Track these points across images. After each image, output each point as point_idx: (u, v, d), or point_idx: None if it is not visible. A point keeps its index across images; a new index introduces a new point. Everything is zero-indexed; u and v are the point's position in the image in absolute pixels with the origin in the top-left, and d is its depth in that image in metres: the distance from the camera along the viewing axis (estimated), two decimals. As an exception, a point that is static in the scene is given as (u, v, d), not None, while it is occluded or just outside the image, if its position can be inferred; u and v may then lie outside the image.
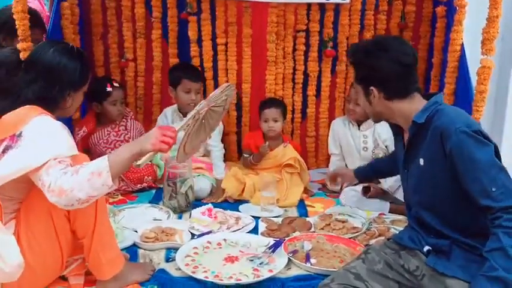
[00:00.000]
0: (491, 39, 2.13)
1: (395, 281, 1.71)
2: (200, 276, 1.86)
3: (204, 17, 3.03)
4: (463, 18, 2.44)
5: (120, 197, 2.80)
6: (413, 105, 1.72)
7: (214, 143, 2.92)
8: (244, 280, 1.85)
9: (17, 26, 2.22)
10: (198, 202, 2.67)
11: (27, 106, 1.71)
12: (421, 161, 1.69)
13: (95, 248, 1.68)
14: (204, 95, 3.06)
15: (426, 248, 1.70)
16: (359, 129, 2.85)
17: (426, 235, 1.74)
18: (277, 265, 1.96)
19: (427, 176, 1.69)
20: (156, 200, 2.74)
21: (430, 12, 3.03)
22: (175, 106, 3.02)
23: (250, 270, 1.93)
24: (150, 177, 2.88)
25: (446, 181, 1.62)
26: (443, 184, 1.64)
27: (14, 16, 2.21)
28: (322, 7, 3.07)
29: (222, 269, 1.93)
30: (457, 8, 2.47)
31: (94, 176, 1.52)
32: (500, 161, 1.56)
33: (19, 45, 2.19)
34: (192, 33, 3.07)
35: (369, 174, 2.46)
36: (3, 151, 1.62)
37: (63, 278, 1.81)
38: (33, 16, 2.59)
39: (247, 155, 2.98)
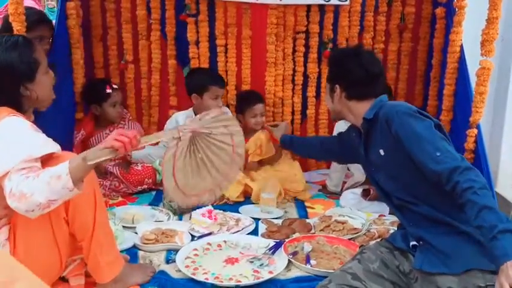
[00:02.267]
0: (490, 40, 2.13)
1: (390, 281, 1.72)
2: (200, 277, 1.86)
3: (201, 18, 3.03)
4: (462, 19, 2.45)
5: (120, 199, 2.81)
6: (367, 106, 1.90)
7: None
8: (244, 282, 1.85)
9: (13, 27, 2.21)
10: (198, 204, 2.66)
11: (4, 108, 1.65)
12: (381, 152, 1.82)
13: (94, 250, 1.68)
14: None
15: (412, 243, 1.73)
16: None
17: (407, 224, 1.77)
18: (277, 266, 1.96)
19: (392, 163, 1.79)
20: (156, 201, 2.73)
21: (430, 13, 3.03)
22: (188, 111, 3.00)
23: (250, 272, 1.93)
24: (150, 180, 2.88)
25: (408, 162, 1.71)
26: (406, 165, 1.72)
27: (10, 18, 2.20)
28: (321, 8, 3.07)
29: (222, 271, 1.93)
30: (457, 9, 2.47)
31: (53, 179, 1.48)
32: (446, 136, 1.69)
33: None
34: (190, 35, 3.07)
35: (292, 144, 2.65)
36: None
37: (64, 279, 1.81)
38: (39, 14, 2.60)
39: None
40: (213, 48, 3.12)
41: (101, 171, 2.84)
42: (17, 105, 1.68)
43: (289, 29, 3.10)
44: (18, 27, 2.20)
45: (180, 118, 2.99)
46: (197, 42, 3.10)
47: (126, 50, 3.15)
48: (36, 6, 3.38)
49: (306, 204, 2.79)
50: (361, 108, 1.91)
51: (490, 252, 1.41)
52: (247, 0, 2.97)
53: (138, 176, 2.85)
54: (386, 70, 3.20)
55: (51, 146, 1.62)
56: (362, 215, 2.51)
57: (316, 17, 3.08)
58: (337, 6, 3.06)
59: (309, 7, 3.07)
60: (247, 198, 2.79)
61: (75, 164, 1.51)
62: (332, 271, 1.87)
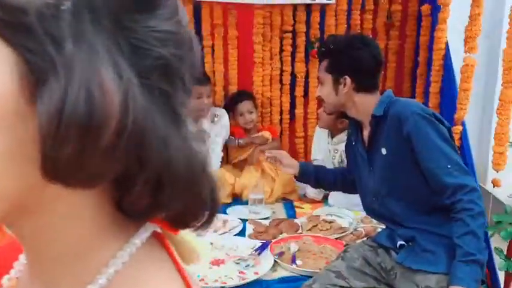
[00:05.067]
0: (473, 37, 2.13)
1: (373, 278, 1.74)
2: (185, 280, 1.85)
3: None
4: (447, 16, 2.44)
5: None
6: (373, 100, 1.81)
7: (215, 148, 2.91)
8: (230, 283, 1.84)
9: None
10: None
11: None
12: (383, 151, 1.76)
13: None
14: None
15: (399, 243, 1.72)
16: (332, 141, 2.82)
17: (396, 228, 1.77)
18: (263, 267, 1.96)
19: (391, 164, 1.75)
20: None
21: (416, 10, 3.02)
22: None
23: (235, 273, 1.92)
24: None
25: (410, 164, 1.69)
26: (407, 168, 1.70)
27: None
28: (308, 8, 3.06)
29: (208, 273, 1.92)
30: (441, 6, 2.47)
31: None
32: (454, 143, 1.69)
33: None
34: (177, 36, 3.06)
35: (310, 176, 2.11)
36: None
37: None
38: None
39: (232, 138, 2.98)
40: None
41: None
42: None
43: (276, 29, 3.09)
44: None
45: None
46: (184, 44, 3.09)
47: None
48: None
49: (295, 204, 2.78)
50: (368, 102, 1.82)
51: (453, 270, 1.52)
52: (233, 0, 2.97)
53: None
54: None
55: None
56: (350, 214, 2.51)
57: (303, 17, 3.07)
58: (323, 6, 3.05)
59: (295, 7, 3.06)
60: (235, 199, 2.79)
61: None
62: (318, 271, 1.87)
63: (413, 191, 1.73)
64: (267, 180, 2.83)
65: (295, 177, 2.15)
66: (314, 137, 3.03)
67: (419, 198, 1.72)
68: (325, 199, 2.78)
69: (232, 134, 3.02)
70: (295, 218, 2.54)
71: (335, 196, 2.70)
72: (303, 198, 2.86)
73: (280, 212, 2.67)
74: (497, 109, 1.89)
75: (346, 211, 2.54)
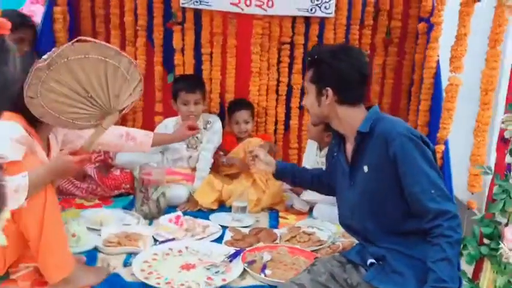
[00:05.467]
0: (459, 56, 2.12)
1: None
2: (152, 282, 1.87)
3: (187, 26, 3.07)
4: (439, 35, 2.44)
5: (96, 201, 2.84)
6: (358, 115, 1.78)
7: (206, 154, 2.94)
8: (194, 288, 1.86)
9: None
10: (173, 209, 2.68)
11: (9, 112, 1.75)
12: (365, 168, 1.73)
13: (42, 251, 1.70)
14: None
15: (370, 261, 1.71)
16: (320, 154, 2.81)
17: (367, 245, 1.76)
18: (232, 275, 1.97)
19: (372, 182, 1.73)
20: (131, 205, 2.76)
21: (415, 28, 3.02)
22: (177, 118, 3.02)
23: (203, 279, 1.93)
24: (128, 185, 2.91)
25: (391, 185, 1.67)
26: (387, 188, 1.69)
27: None
28: (307, 20, 3.08)
29: (176, 276, 1.94)
30: (434, 24, 2.47)
31: (11, 192, 1.57)
32: (437, 164, 1.68)
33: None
34: (176, 43, 3.11)
35: (287, 175, 2.17)
36: None
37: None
38: (21, 17, 2.67)
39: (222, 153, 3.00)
40: (198, 56, 3.15)
41: (80, 173, 2.87)
42: (28, 117, 1.76)
43: (274, 40, 3.12)
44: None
45: (170, 124, 3.02)
46: (182, 50, 3.14)
47: (114, 55, 3.19)
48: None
49: (280, 214, 2.79)
50: (352, 115, 1.78)
51: None
52: (233, 10, 3.01)
53: (115, 180, 2.88)
54: (371, 83, 3.20)
55: (18, 154, 1.69)
56: (332, 227, 2.50)
57: (302, 29, 3.09)
58: (322, 19, 3.07)
59: (294, 18, 3.08)
60: (222, 206, 2.80)
61: (35, 177, 1.64)
62: (283, 281, 1.87)
63: (390, 212, 1.71)
64: (256, 190, 2.84)
65: (273, 175, 2.15)
66: (306, 148, 3.03)
67: (395, 219, 1.71)
68: (310, 211, 2.78)
69: (224, 141, 3.04)
70: (277, 228, 2.54)
71: (319, 209, 2.70)
72: (290, 209, 2.86)
73: (264, 221, 2.67)
74: (474, 130, 1.87)
75: (329, 224, 2.53)
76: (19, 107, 1.71)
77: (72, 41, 1.61)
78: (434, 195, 1.58)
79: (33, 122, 1.81)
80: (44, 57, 1.59)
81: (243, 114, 3.01)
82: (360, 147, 1.76)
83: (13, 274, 1.83)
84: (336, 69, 1.78)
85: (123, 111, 1.81)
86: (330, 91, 1.79)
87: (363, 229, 1.80)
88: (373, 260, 1.73)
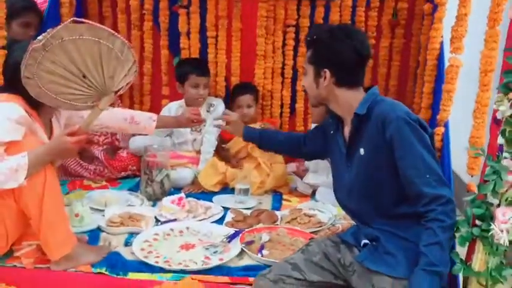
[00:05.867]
0: (459, 37, 2.08)
1: (330, 273, 1.75)
2: (151, 261, 1.92)
3: (193, 10, 3.07)
4: (442, 16, 2.39)
5: (103, 183, 2.90)
6: (357, 97, 1.77)
7: (210, 137, 2.96)
8: (192, 267, 1.90)
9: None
10: (178, 191, 2.72)
11: (8, 94, 1.82)
12: (362, 151, 1.73)
13: (43, 229, 1.76)
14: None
15: (363, 241, 1.72)
16: None
17: (362, 226, 1.78)
18: (230, 254, 2.00)
19: (368, 165, 1.72)
20: (137, 187, 2.80)
21: (422, 9, 2.97)
22: (180, 101, 3.05)
23: (201, 258, 1.98)
24: (134, 167, 2.96)
25: (386, 168, 1.67)
26: (383, 171, 1.68)
27: None
28: (312, 2, 3.06)
29: (175, 256, 1.99)
30: (438, 5, 2.43)
31: (11, 171, 1.64)
32: (434, 149, 1.67)
33: (-5, 33, 2.29)
34: (181, 26, 3.12)
35: (255, 140, 2.32)
36: None
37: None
38: (26, 1, 2.70)
39: (224, 145, 3.02)
40: (203, 40, 3.16)
41: (87, 155, 2.94)
42: (29, 99, 1.80)
43: (279, 23, 3.11)
44: (1, 14, 2.30)
45: (173, 108, 3.05)
46: (188, 34, 3.15)
47: (121, 40, 3.22)
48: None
49: (284, 197, 2.81)
50: (350, 98, 1.77)
51: (414, 277, 1.53)
52: (238, -8, 3.00)
53: (122, 162, 2.94)
54: (377, 66, 3.18)
55: (17, 134, 1.74)
56: (333, 209, 2.51)
57: (307, 11, 3.07)
58: (328, 1, 3.04)
59: (299, 1, 3.06)
60: (225, 189, 2.83)
61: (34, 157, 1.68)
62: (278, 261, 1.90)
63: (385, 195, 1.71)
64: (260, 173, 2.86)
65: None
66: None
67: (390, 201, 1.71)
68: (314, 194, 2.79)
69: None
70: (279, 210, 2.57)
71: (322, 192, 2.71)
72: (293, 191, 2.88)
73: (267, 203, 2.70)
74: (473, 112, 1.85)
75: (331, 207, 2.54)
76: (20, 90, 1.76)
77: (65, 22, 1.64)
78: (430, 180, 1.58)
79: (35, 105, 1.86)
80: (39, 38, 1.62)
81: (246, 99, 3.02)
82: (357, 129, 1.75)
83: (17, 251, 1.89)
84: (334, 50, 1.76)
85: (119, 92, 1.84)
86: (327, 72, 1.77)
87: (358, 210, 1.81)
88: (366, 241, 1.74)
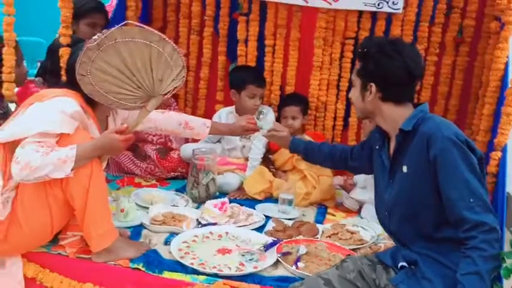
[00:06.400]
0: (523, 58, 1.98)
1: None
2: (187, 261, 1.94)
3: (252, 17, 3.10)
4: (508, 35, 2.29)
5: (153, 181, 2.98)
6: (404, 113, 1.73)
7: (258, 144, 2.97)
8: (225, 272, 1.90)
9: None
10: (224, 196, 2.74)
11: (66, 89, 1.92)
12: (405, 168, 1.68)
13: (87, 221, 1.83)
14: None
15: (400, 264, 1.66)
16: None
17: (401, 247, 1.72)
18: (265, 263, 1.99)
19: (410, 184, 1.67)
20: (184, 189, 2.85)
21: (489, 27, 2.84)
22: (231, 108, 3.08)
23: (236, 264, 1.98)
24: (183, 169, 3.01)
25: (428, 188, 1.61)
26: (425, 192, 1.63)
27: (59, 4, 2.42)
28: (373, 15, 3.00)
29: (210, 259, 2.00)
30: (505, 24, 2.31)
31: (59, 162, 1.70)
32: (484, 172, 1.60)
33: (60, 31, 2.41)
34: (240, 33, 3.16)
35: (300, 151, 2.38)
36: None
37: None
38: (95, 2, 2.84)
39: (270, 156, 3.02)
40: (261, 48, 3.18)
41: (141, 154, 3.03)
42: (86, 96, 1.89)
43: (338, 34, 3.07)
44: (67, 13, 2.43)
45: (223, 114, 3.08)
46: (246, 41, 3.18)
47: (181, 44, 3.31)
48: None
49: (329, 210, 2.76)
50: (396, 114, 1.74)
51: None
52: (298, 3, 3.00)
53: (173, 163, 3.01)
54: (438, 84, 3.07)
55: (69, 128, 1.82)
56: (377, 228, 2.41)
57: (367, 24, 3.01)
58: (389, 14, 2.97)
59: (360, 13, 3.01)
60: (269, 198, 2.82)
61: (82, 151, 1.75)
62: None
63: (425, 216, 1.66)
64: (305, 184, 2.82)
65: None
66: None
67: (431, 224, 1.65)
68: (360, 210, 2.72)
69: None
70: (321, 223, 2.52)
71: (368, 209, 2.63)
72: (339, 206, 2.82)
73: (311, 216, 2.66)
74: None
75: (375, 225, 2.45)
76: (78, 87, 1.85)
77: (119, 25, 1.70)
78: (473, 205, 1.51)
79: (91, 102, 1.94)
80: (94, 37, 1.70)
81: (292, 110, 2.99)
82: (401, 146, 1.71)
83: (62, 240, 1.97)
84: (382, 66, 1.73)
85: (166, 96, 1.89)
86: (373, 87, 1.76)
87: (398, 231, 1.76)
88: (404, 263, 1.68)
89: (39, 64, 3.03)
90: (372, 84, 1.76)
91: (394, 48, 1.74)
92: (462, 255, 1.49)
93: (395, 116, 1.74)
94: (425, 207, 1.64)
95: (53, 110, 1.80)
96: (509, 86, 2.04)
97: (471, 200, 1.51)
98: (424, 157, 1.61)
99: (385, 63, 1.72)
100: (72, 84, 1.90)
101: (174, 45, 1.77)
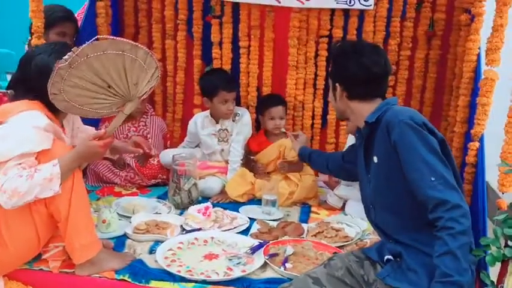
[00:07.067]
0: (495, 49, 2.01)
1: None
2: (173, 269, 1.92)
3: (225, 20, 3.09)
4: (479, 27, 2.32)
5: (134, 190, 2.94)
6: (370, 107, 1.79)
7: (236, 146, 2.95)
8: (213, 277, 1.88)
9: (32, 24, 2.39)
10: (206, 200, 2.72)
11: (28, 100, 1.86)
12: (375, 159, 1.74)
13: (69, 232, 1.79)
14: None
15: (386, 257, 1.68)
16: None
17: (386, 241, 1.74)
18: (253, 266, 1.98)
19: (382, 173, 1.72)
20: (165, 195, 2.82)
21: (460, 20, 2.88)
22: (206, 112, 3.05)
23: (223, 269, 1.96)
24: (164, 176, 2.98)
25: (399, 175, 1.64)
26: (396, 178, 1.66)
27: (30, 15, 2.37)
28: (346, 13, 3.02)
29: (197, 265, 1.98)
30: (475, 16, 2.35)
31: (46, 181, 1.68)
32: (449, 156, 1.63)
33: (32, 41, 2.36)
34: (214, 36, 3.14)
35: (306, 159, 2.59)
36: None
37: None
38: (64, 11, 2.79)
39: (252, 157, 3.01)
40: (235, 50, 3.17)
41: (120, 162, 2.98)
42: (48, 103, 1.84)
43: (312, 33, 3.08)
44: (38, 23, 2.38)
45: (199, 119, 3.04)
46: (220, 43, 3.17)
47: (155, 49, 3.27)
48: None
49: (312, 209, 2.76)
50: (364, 110, 1.81)
51: None
52: (271, 3, 3.00)
53: (152, 170, 2.97)
54: (412, 78, 3.10)
55: (47, 143, 1.78)
56: (362, 224, 2.44)
57: (340, 22, 3.03)
58: (362, 11, 3.00)
59: (333, 11, 3.02)
60: (252, 200, 2.81)
61: (65, 165, 1.73)
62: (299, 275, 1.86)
63: (403, 203, 1.68)
64: (288, 184, 2.83)
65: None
66: (346, 144, 2.97)
67: (410, 211, 1.67)
68: (344, 207, 2.74)
69: (251, 141, 3.05)
70: (306, 222, 2.53)
71: (351, 205, 2.65)
72: (323, 204, 2.83)
73: (295, 215, 2.66)
74: (505, 126, 1.77)
75: (360, 221, 2.48)
76: (39, 96, 1.82)
77: (90, 41, 1.68)
78: (435, 183, 1.53)
79: (53, 108, 1.88)
80: (65, 57, 1.68)
81: (279, 110, 2.99)
82: (369, 138, 1.78)
83: (44, 254, 1.93)
84: (341, 66, 1.86)
85: (142, 97, 1.91)
86: (338, 87, 1.87)
87: (382, 224, 1.79)
88: (389, 257, 1.70)
89: (9, 76, 2.96)
90: (337, 84, 1.88)
91: (352, 49, 1.87)
92: (435, 237, 1.51)
93: (363, 112, 1.82)
94: (401, 194, 1.67)
95: (26, 127, 1.75)
96: (483, 77, 2.07)
97: (432, 179, 1.53)
98: (388, 144, 1.66)
99: (343, 63, 1.85)
100: (33, 94, 1.86)
101: (146, 49, 1.77)
